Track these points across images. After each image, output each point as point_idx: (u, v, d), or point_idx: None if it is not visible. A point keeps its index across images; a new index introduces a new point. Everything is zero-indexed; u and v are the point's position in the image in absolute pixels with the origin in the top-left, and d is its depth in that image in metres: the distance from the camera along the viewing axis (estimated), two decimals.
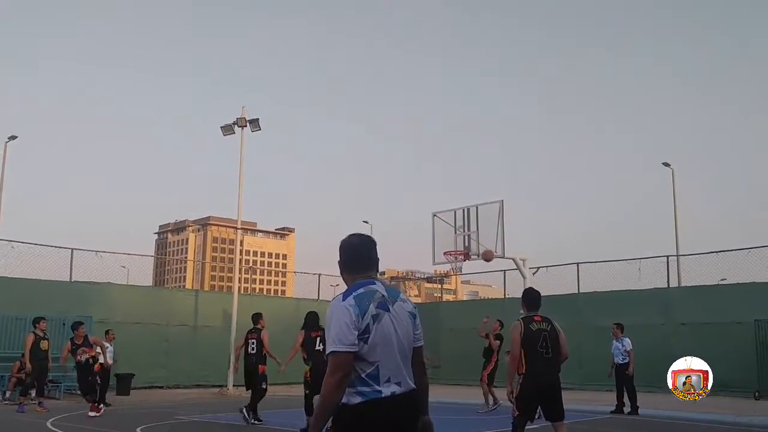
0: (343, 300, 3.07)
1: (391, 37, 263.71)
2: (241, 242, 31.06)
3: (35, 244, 19.10)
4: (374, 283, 3.17)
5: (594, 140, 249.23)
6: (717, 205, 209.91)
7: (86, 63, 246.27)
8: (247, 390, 12.58)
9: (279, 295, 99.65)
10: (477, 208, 17.99)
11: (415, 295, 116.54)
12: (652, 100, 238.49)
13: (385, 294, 3.14)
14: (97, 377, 13.46)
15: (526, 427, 6.93)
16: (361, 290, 3.10)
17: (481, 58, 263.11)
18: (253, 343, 12.16)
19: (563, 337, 6.93)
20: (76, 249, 19.67)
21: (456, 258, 17.83)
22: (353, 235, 3.38)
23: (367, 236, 3.39)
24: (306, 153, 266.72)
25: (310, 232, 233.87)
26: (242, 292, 23.54)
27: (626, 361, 13.96)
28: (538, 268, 20.98)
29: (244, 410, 11.86)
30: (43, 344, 13.90)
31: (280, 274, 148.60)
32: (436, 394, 14.11)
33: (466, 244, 17.85)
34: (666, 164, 31.18)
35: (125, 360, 17.55)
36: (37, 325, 14.07)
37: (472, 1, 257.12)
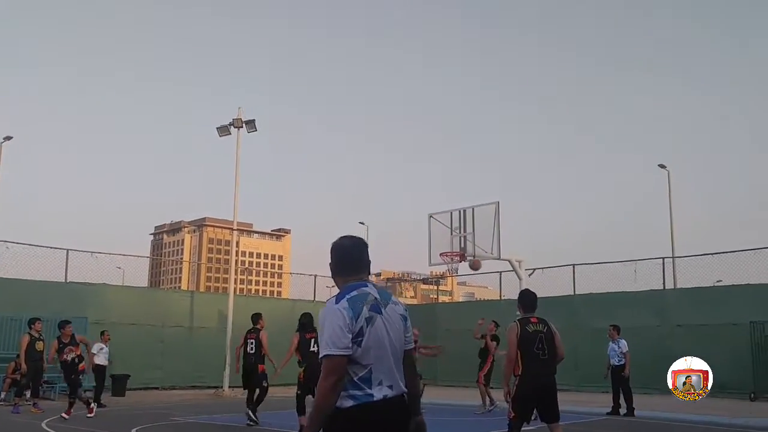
0: (337, 303, 3.04)
1: (388, 39, 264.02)
2: (237, 243, 31.06)
3: (30, 245, 19.10)
4: (366, 286, 3.14)
5: (590, 142, 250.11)
6: (713, 207, 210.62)
7: (83, 64, 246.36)
8: (244, 389, 12.57)
9: (275, 296, 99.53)
10: (473, 209, 18.01)
11: (411, 296, 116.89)
12: (648, 102, 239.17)
13: (378, 297, 3.12)
14: (80, 377, 13.26)
15: (522, 429, 6.92)
16: (354, 293, 3.07)
17: (479, 59, 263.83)
18: (251, 343, 12.18)
19: (559, 338, 6.93)
20: (71, 250, 19.70)
21: (452, 259, 17.84)
22: (344, 237, 3.34)
23: (359, 238, 3.33)
24: (302, 154, 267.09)
25: (306, 233, 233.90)
26: (238, 293, 23.55)
27: (622, 362, 13.97)
28: (534, 269, 21.01)
29: (251, 413, 11.86)
30: (39, 345, 13.87)
31: (275, 275, 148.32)
32: (433, 396, 14.18)
33: (462, 245, 17.86)
34: (662, 166, 31.24)
35: (121, 361, 17.52)
36: (32, 326, 14.04)
37: (471, 4, 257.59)
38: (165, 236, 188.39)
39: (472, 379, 14.73)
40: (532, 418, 7.07)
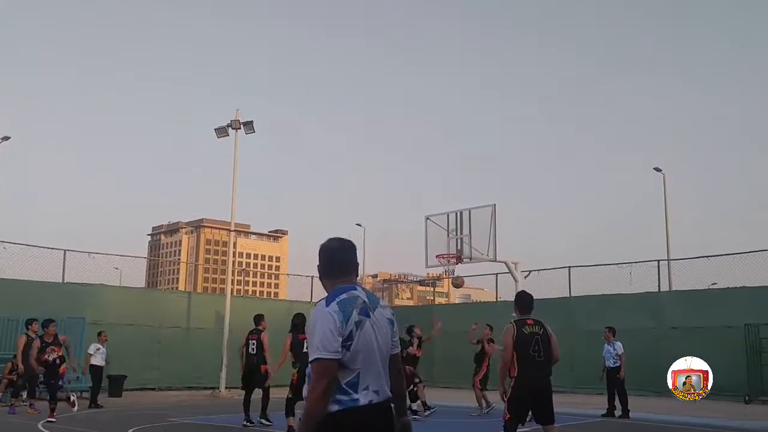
0: (327, 306, 2.99)
1: (387, 40, 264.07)
2: (235, 244, 31.03)
3: (28, 245, 19.06)
4: (355, 289, 3.11)
5: (590, 143, 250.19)
6: (708, 209, 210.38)
7: (83, 64, 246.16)
8: (242, 390, 12.61)
9: (272, 297, 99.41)
10: (470, 211, 18.08)
11: (408, 298, 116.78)
12: (648, 102, 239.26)
13: (366, 300, 3.08)
14: (60, 381, 13.10)
15: (517, 430, 6.97)
16: (344, 296, 3.03)
17: (479, 59, 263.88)
18: (253, 344, 12.26)
19: (555, 340, 6.97)
20: (68, 250, 19.67)
21: (449, 261, 17.90)
22: (333, 239, 3.30)
23: (347, 240, 3.30)
24: (299, 156, 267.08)
25: (303, 234, 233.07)
26: (235, 294, 23.50)
27: (617, 364, 14.01)
28: (530, 271, 21.09)
29: (263, 420, 11.95)
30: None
31: (273, 276, 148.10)
32: (430, 397, 14.18)
33: (459, 247, 17.93)
34: (657, 169, 31.37)
35: (117, 361, 17.49)
36: (29, 327, 14.04)
37: (471, 4, 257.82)
38: (162, 237, 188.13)
39: (469, 381, 14.77)
40: (528, 419, 7.12)
